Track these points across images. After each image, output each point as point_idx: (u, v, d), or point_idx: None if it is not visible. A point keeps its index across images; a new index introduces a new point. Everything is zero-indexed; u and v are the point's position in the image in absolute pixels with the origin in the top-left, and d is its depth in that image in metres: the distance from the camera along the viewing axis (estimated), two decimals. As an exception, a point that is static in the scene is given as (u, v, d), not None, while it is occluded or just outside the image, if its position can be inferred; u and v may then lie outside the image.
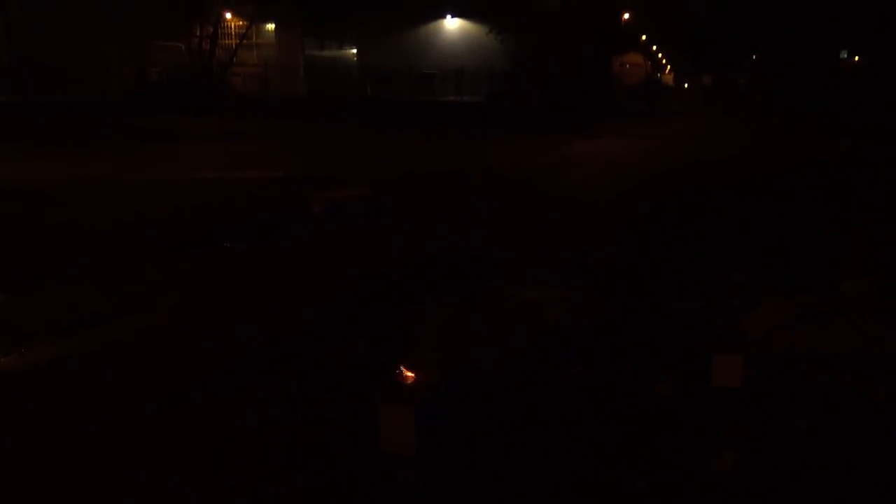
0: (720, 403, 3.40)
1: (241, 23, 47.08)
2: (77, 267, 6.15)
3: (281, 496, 2.75)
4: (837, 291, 4.69)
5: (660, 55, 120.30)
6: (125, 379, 3.99)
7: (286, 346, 4.46)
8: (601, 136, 22.33)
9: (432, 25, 60.46)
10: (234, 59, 44.61)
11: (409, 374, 3.15)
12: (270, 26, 56.19)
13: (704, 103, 55.32)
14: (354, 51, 65.58)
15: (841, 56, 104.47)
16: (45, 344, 4.45)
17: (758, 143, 19.10)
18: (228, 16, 46.62)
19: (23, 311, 5.07)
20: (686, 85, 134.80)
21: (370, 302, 5.34)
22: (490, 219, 8.84)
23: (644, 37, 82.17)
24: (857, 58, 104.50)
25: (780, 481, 2.79)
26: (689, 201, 10.06)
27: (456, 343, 4.18)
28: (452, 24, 59.76)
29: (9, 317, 4.90)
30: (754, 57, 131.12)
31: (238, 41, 45.45)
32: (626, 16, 59.34)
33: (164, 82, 40.61)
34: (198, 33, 41.61)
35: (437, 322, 4.49)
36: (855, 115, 28.92)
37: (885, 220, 6.91)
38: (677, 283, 5.49)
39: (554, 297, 5.21)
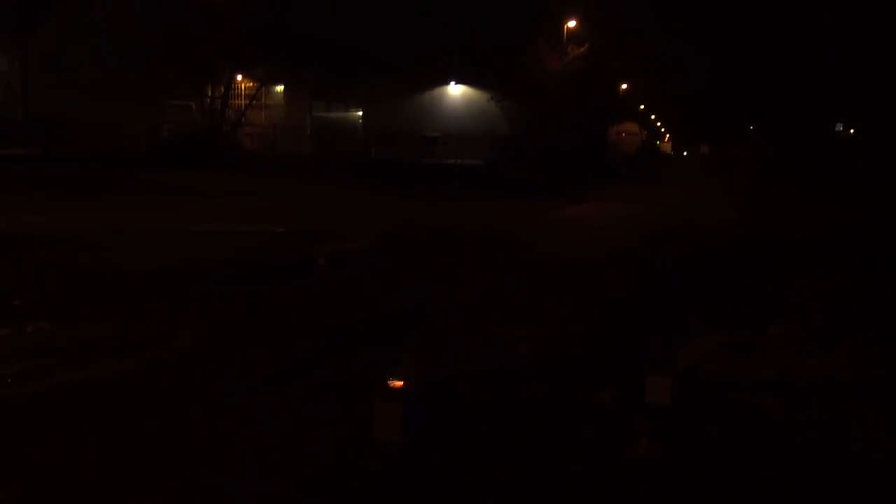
0: (650, 414, 4.19)
1: (250, 84, 48.44)
2: (110, 303, 6.97)
3: (304, 468, 3.56)
4: (765, 332, 5.51)
5: (658, 124, 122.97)
6: (165, 389, 4.79)
7: (298, 365, 5.30)
8: (594, 200, 23.31)
9: (437, 91, 62.26)
10: (244, 119, 45.74)
11: (398, 382, 3.95)
12: (279, 88, 57.76)
13: (701, 171, 56.77)
14: (360, 113, 67.35)
15: (836, 128, 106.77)
16: (93, 364, 5.25)
17: (746, 211, 20.02)
18: (239, 77, 47.95)
19: (66, 338, 5.87)
20: (685, 153, 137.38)
21: (368, 333, 6.16)
22: (477, 273, 9.68)
23: (642, 106, 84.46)
24: (851, 130, 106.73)
25: (680, 464, 3.58)
26: (666, 261, 10.91)
27: (437, 363, 4.98)
28: (456, 91, 61.54)
29: (56, 343, 5.70)
30: (751, 127, 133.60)
31: (248, 102, 46.70)
32: (625, 86, 61.30)
33: (176, 140, 41.68)
34: (209, 94, 42.90)
35: (423, 348, 5.29)
36: (847, 185, 30.00)
37: (829, 275, 7.76)
38: (637, 326, 6.31)
39: (526, 336, 6.03)
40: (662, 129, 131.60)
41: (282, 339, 6.09)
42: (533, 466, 3.68)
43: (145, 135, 43.19)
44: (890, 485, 3.50)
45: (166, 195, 19.90)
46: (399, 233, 13.33)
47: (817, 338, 5.33)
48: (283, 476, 3.55)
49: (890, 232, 14.39)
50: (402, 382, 3.97)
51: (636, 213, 19.47)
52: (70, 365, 5.23)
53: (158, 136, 43.46)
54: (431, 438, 3.83)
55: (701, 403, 4.31)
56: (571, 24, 37.92)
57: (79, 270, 8.40)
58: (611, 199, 24.29)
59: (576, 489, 3.47)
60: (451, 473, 3.56)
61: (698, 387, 4.52)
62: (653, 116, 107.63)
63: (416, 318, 6.79)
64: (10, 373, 4.98)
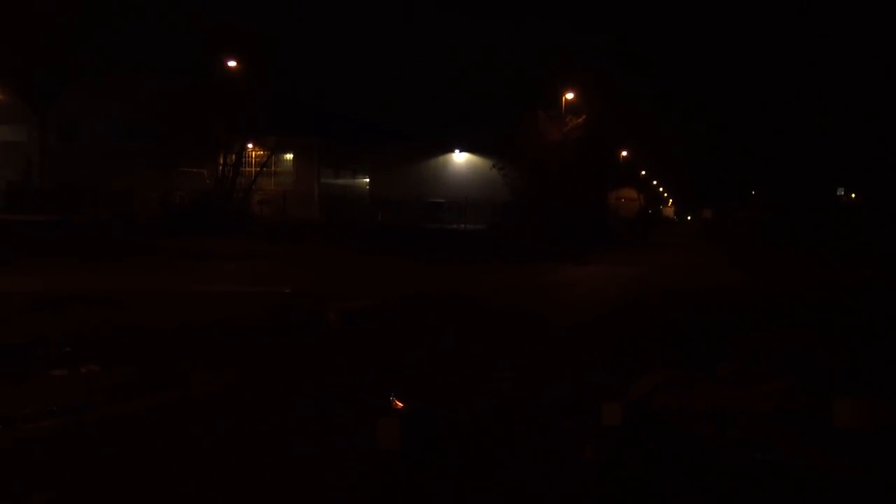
0: (602, 432, 5.10)
1: (261, 152, 49.89)
2: (146, 352, 7.93)
3: (324, 468, 4.49)
4: (712, 371, 6.43)
5: (661, 189, 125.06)
6: (201, 419, 5.72)
7: (313, 401, 6.23)
8: (591, 263, 24.27)
9: (441, 159, 64.04)
10: (254, 186, 46.83)
11: (398, 404, 4.89)
12: (289, 156, 59.51)
13: (701, 235, 57.96)
14: (367, 180, 69.18)
15: (838, 192, 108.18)
16: (137, 399, 6.19)
17: (737, 275, 20.91)
18: (250, 146, 49.35)
19: (112, 379, 6.81)
20: (689, 217, 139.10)
21: (375, 375, 7.10)
22: (472, 328, 10.63)
23: (644, 172, 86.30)
24: (853, 194, 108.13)
25: (624, 469, 4.50)
26: (645, 318, 11.83)
27: (431, 396, 5.90)
28: (460, 158, 63.31)
29: (104, 382, 6.65)
30: (753, 192, 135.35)
31: (258, 169, 47.85)
32: (625, 153, 63.02)
33: (188, 206, 42.46)
34: (221, 162, 44.28)
35: (421, 384, 6.22)
36: (845, 249, 30.90)
37: (791, 329, 8.68)
38: (604, 369, 7.24)
39: (509, 378, 6.97)
40: (665, 194, 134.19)
41: (298, 382, 7.02)
42: (506, 469, 4.60)
43: (158, 202, 44.11)
44: (787, 482, 4.40)
45: (182, 259, 20.98)
46: (403, 294, 14.28)
47: (754, 376, 6.24)
48: (304, 477, 4.47)
49: (868, 292, 15.28)
50: (401, 404, 4.92)
51: (630, 275, 20.43)
52: (118, 400, 6.16)
53: (171, 202, 44.31)
54: (424, 448, 4.77)
55: (645, 426, 5.21)
56: (569, 95, 39.62)
57: (113, 326, 9.36)
58: (608, 262, 25.27)
59: (539, 485, 4.39)
60: (439, 474, 4.48)
61: (645, 413, 5.43)
62: (654, 182, 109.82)
63: (415, 365, 7.71)
64: (68, 405, 5.91)
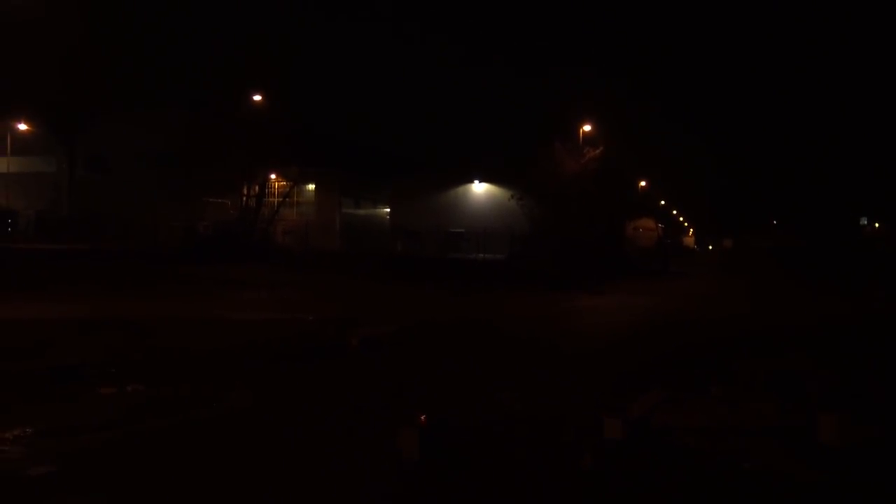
0: (604, 445, 5.61)
1: (283, 183, 50.76)
2: (182, 373, 8.53)
3: (349, 473, 5.04)
4: (707, 393, 6.91)
5: (681, 218, 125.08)
6: (237, 429, 6.29)
7: (339, 414, 6.78)
8: (607, 293, 24.65)
9: (461, 189, 64.83)
10: (276, 216, 47.56)
11: (419, 417, 5.47)
12: (311, 186, 60.45)
13: (721, 265, 58.02)
14: (388, 210, 70.10)
15: (861, 222, 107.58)
16: (180, 414, 6.77)
17: (753, 305, 21.21)
18: (273, 176, 50.22)
19: (156, 396, 7.41)
20: (710, 247, 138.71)
21: (396, 394, 7.65)
22: (489, 353, 11.14)
23: (663, 202, 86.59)
24: (877, 224, 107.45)
25: (618, 472, 5.02)
26: (655, 345, 12.28)
27: (447, 412, 6.44)
28: (479, 189, 64.03)
29: (149, 399, 7.25)
30: (774, 222, 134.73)
31: (281, 199, 48.60)
32: (643, 183, 63.47)
33: (213, 235, 43.20)
34: (245, 192, 45.14)
35: (438, 400, 6.77)
36: (866, 280, 30.98)
37: (790, 356, 9.15)
38: (609, 391, 7.73)
39: (520, 397, 7.48)
40: (685, 224, 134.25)
41: (323, 400, 7.58)
42: (515, 476, 5.14)
43: (183, 231, 44.96)
44: (768, 490, 4.89)
45: (209, 287, 21.68)
46: (422, 321, 14.83)
47: (746, 397, 6.72)
48: (332, 481, 5.03)
49: (872, 323, 15.61)
50: (422, 417, 5.50)
51: (643, 305, 20.82)
52: (162, 415, 6.74)
53: (196, 232, 45.08)
54: (441, 457, 5.31)
55: (644, 439, 5.71)
56: (587, 128, 40.31)
57: (152, 349, 9.98)
58: (623, 291, 25.64)
59: (545, 490, 4.92)
60: (456, 481, 5.02)
61: (645, 428, 5.93)
62: (674, 211, 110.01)
63: (431, 385, 8.25)
64: (118, 419, 6.50)
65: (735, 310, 19.60)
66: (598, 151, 39.47)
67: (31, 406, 6.83)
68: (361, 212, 68.15)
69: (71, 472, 5.14)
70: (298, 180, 52.42)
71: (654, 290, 26.92)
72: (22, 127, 53.02)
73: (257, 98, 41.59)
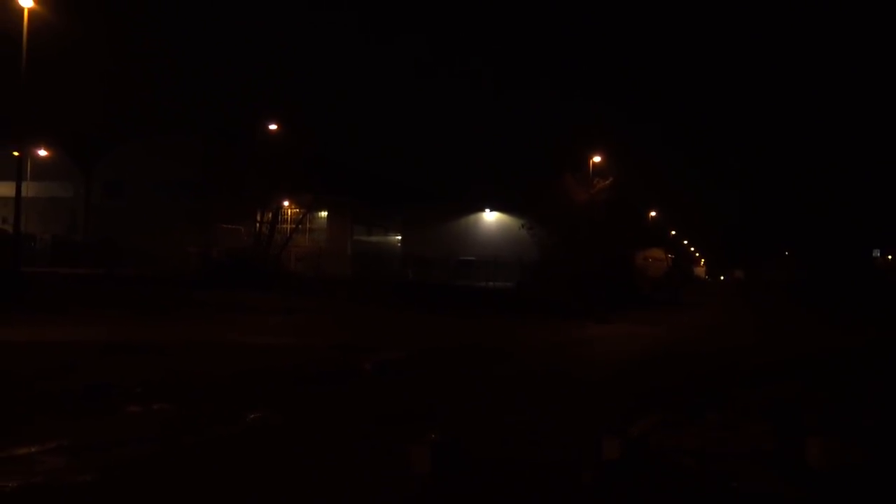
0: (602, 464, 5.98)
1: (296, 210, 51.35)
2: (206, 394, 8.95)
3: (365, 485, 5.43)
4: (703, 417, 7.26)
5: (692, 249, 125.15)
6: (263, 443, 6.70)
7: (356, 430, 7.20)
8: (615, 322, 24.94)
9: (472, 217, 65.43)
10: (289, 243, 48.00)
11: (430, 435, 5.86)
12: (323, 214, 61.11)
13: (731, 295, 58.12)
14: (399, 237, 70.73)
15: (874, 254, 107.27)
16: (208, 430, 7.18)
17: (758, 336, 21.46)
18: (286, 203, 50.79)
19: (182, 413, 7.82)
20: (721, 277, 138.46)
21: (408, 415, 8.04)
22: (497, 379, 11.51)
23: (673, 232, 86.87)
24: (889, 256, 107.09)
25: (619, 488, 5.39)
26: (656, 373, 12.61)
27: (456, 430, 6.84)
28: (490, 217, 64.60)
29: (176, 416, 7.66)
30: (786, 253, 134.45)
31: (294, 226, 49.06)
32: (653, 214, 63.82)
33: (227, 262, 43.53)
34: (258, 219, 45.72)
35: (447, 422, 7.15)
36: (874, 312, 31.08)
37: (787, 386, 9.49)
38: (611, 415, 8.09)
39: (524, 420, 7.87)
40: (697, 254, 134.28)
41: (337, 420, 7.98)
42: (519, 490, 5.54)
43: (197, 257, 45.31)
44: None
45: (224, 313, 22.11)
46: (433, 347, 15.20)
47: (740, 422, 7.08)
48: (347, 490, 5.43)
49: (872, 354, 15.85)
50: (432, 435, 5.90)
51: (650, 335, 21.13)
52: (187, 432, 7.15)
53: (210, 258, 45.39)
54: (450, 471, 5.71)
55: (640, 459, 6.08)
56: (597, 158, 40.82)
57: (172, 372, 10.40)
58: (631, 321, 25.93)
59: (547, 502, 5.32)
60: (464, 493, 5.43)
61: (641, 448, 6.29)
62: (685, 241, 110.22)
63: (440, 408, 8.64)
64: (146, 436, 6.91)
65: (740, 341, 19.87)
66: (607, 182, 39.93)
67: (66, 422, 7.25)
68: (373, 239, 68.77)
69: (112, 482, 5.56)
70: (312, 207, 53.01)
71: (662, 320, 27.19)
72: (42, 153, 53.98)
73: (273, 127, 42.38)
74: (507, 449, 6.67)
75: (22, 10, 21.50)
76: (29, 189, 54.34)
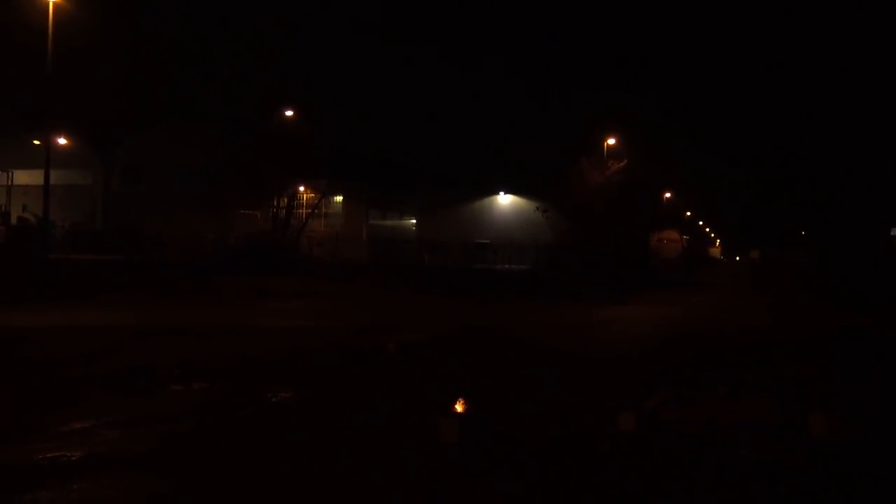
0: (619, 434, 6.43)
1: (312, 195, 51.86)
2: (237, 375, 9.46)
3: (396, 454, 5.92)
4: (714, 392, 7.69)
5: (707, 229, 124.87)
6: (302, 415, 7.20)
7: (386, 405, 7.68)
8: (631, 304, 25.33)
9: (486, 200, 65.73)
10: (306, 227, 48.53)
11: (458, 407, 6.34)
12: (338, 198, 61.60)
13: (746, 277, 58.24)
14: (414, 221, 71.17)
15: (891, 233, 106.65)
16: (247, 406, 7.68)
17: (772, 317, 21.79)
18: (301, 188, 51.25)
19: (222, 392, 8.32)
20: (737, 258, 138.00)
21: (434, 391, 8.51)
22: (516, 359, 11.96)
23: (688, 213, 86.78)
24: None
25: (634, 457, 5.85)
26: (673, 354, 12.98)
27: (482, 405, 7.31)
28: (505, 200, 64.86)
29: (214, 396, 8.17)
30: (803, 233, 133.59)
31: (310, 211, 49.61)
32: (668, 195, 63.85)
33: (245, 247, 44.07)
34: (275, 204, 46.25)
35: (469, 400, 7.61)
36: (890, 292, 31.20)
37: (796, 365, 9.90)
38: (625, 391, 8.54)
39: (545, 397, 8.32)
40: (712, 235, 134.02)
41: (369, 397, 8.47)
42: (541, 458, 6.00)
43: (215, 242, 45.90)
44: (759, 472, 5.68)
45: (247, 297, 22.71)
46: (453, 329, 15.67)
47: (748, 397, 7.50)
48: (384, 457, 5.91)
49: (882, 334, 16.20)
50: (459, 408, 6.38)
51: (665, 315, 21.50)
52: (228, 408, 7.65)
53: (227, 243, 45.94)
54: (477, 441, 6.19)
55: (653, 430, 6.53)
56: (611, 141, 41.04)
57: (206, 353, 10.93)
58: (647, 302, 26.31)
59: (566, 469, 5.79)
60: (490, 461, 5.91)
61: (655, 420, 6.74)
62: (700, 222, 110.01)
63: (464, 385, 9.10)
64: (190, 411, 7.41)
65: (754, 321, 20.24)
66: (622, 164, 40.16)
67: (116, 399, 7.77)
68: (388, 223, 69.18)
69: (173, 451, 6.08)
70: (327, 192, 53.53)
71: (678, 301, 27.56)
72: (61, 141, 54.73)
73: (289, 113, 42.84)
74: (528, 422, 7.13)
75: (47, 3, 22.00)
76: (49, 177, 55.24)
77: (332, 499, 5.18)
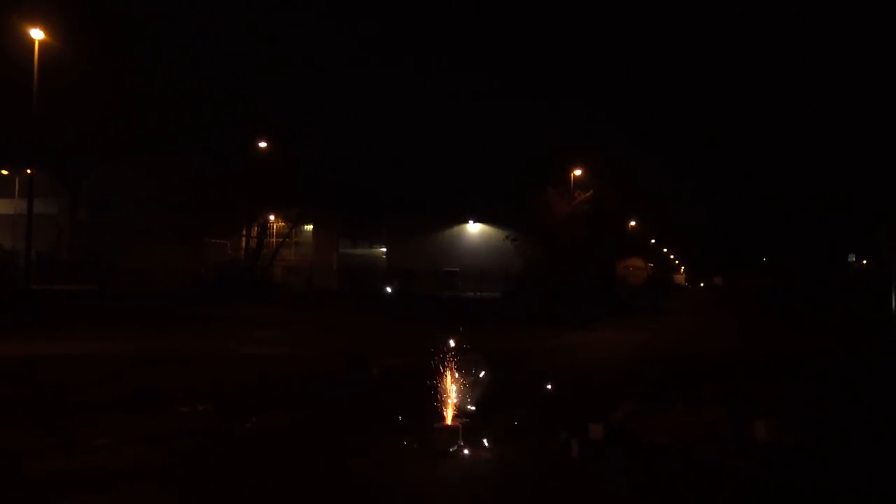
0: (590, 442, 7.27)
1: (282, 224, 52.32)
2: (236, 398, 10.13)
3: (392, 461, 6.69)
4: (673, 406, 8.58)
5: (672, 256, 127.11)
6: (301, 431, 7.91)
7: (377, 426, 8.42)
8: (598, 329, 26.26)
9: (456, 229, 66.76)
10: (276, 257, 48.89)
11: (448, 422, 7.16)
12: (309, 227, 62.10)
13: (709, 303, 59.75)
14: (384, 249, 71.89)
15: (849, 259, 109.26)
16: (249, 425, 8.38)
17: (733, 340, 22.90)
18: (272, 218, 51.60)
19: (225, 412, 8.99)
20: (701, 285, 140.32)
21: (418, 408, 9.26)
22: (490, 382, 12.72)
23: (653, 240, 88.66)
24: (864, 261, 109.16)
25: (596, 460, 6.68)
26: (636, 375, 13.90)
27: (467, 419, 8.10)
28: (474, 229, 65.95)
29: (219, 416, 8.85)
30: (764, 259, 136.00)
31: (280, 240, 50.00)
32: (633, 223, 65.47)
33: (215, 276, 44.17)
34: (245, 233, 46.65)
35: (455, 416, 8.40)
36: (844, 316, 32.64)
37: (748, 382, 10.85)
38: (594, 406, 9.39)
39: (523, 413, 9.14)
40: (676, 262, 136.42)
41: (362, 413, 9.21)
42: (519, 461, 6.82)
43: (184, 272, 45.79)
44: (708, 471, 6.56)
45: (224, 326, 23.24)
46: (428, 354, 16.37)
47: (703, 410, 8.40)
48: (381, 466, 6.68)
49: (829, 357, 17.32)
50: (445, 421, 7.20)
51: (630, 340, 22.48)
52: (231, 427, 8.34)
53: (198, 273, 45.97)
54: (466, 447, 6.99)
55: (618, 438, 7.39)
56: (577, 172, 42.38)
57: (203, 379, 11.57)
58: (614, 328, 27.28)
59: (543, 471, 6.60)
60: (478, 462, 6.71)
61: (621, 430, 7.60)
62: (665, 250, 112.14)
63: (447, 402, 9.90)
64: (197, 429, 8.08)
65: (714, 345, 21.28)
66: (587, 194, 41.42)
67: (129, 420, 8.42)
68: (359, 252, 69.81)
69: (193, 464, 6.80)
70: (298, 222, 54.03)
71: (642, 327, 28.55)
72: (29, 171, 54.50)
73: (262, 145, 43.48)
74: (509, 433, 7.95)
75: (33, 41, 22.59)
76: (16, 206, 55.00)
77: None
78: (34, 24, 22.86)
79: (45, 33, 23.22)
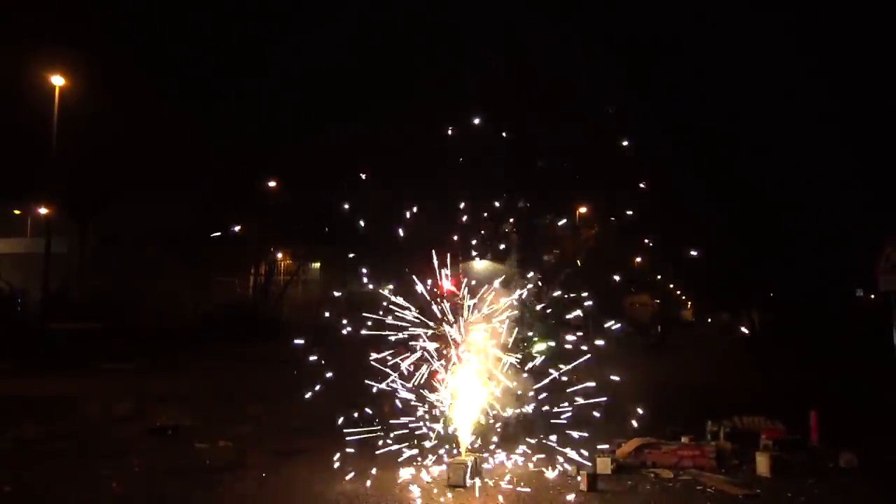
0: (597, 476, 7.63)
1: (289, 262, 52.55)
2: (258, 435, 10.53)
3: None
4: (679, 440, 8.94)
5: (678, 292, 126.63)
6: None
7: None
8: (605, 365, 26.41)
9: (462, 265, 66.84)
10: (284, 294, 49.07)
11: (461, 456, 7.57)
12: (316, 265, 62.17)
13: (716, 338, 59.62)
14: (391, 287, 71.83)
15: (857, 293, 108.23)
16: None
17: (738, 375, 23.10)
18: (280, 255, 51.83)
19: (241, 449, 9.38)
20: (709, 320, 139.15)
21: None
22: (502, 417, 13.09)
23: (659, 276, 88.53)
24: (872, 295, 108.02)
25: (605, 493, 7.05)
26: (643, 406, 14.19)
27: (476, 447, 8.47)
28: (479, 266, 66.01)
29: (237, 453, 9.24)
30: (771, 294, 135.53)
31: (289, 278, 50.19)
32: (639, 259, 65.56)
33: (225, 314, 44.39)
34: (252, 272, 46.92)
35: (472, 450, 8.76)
36: (849, 350, 32.71)
37: (746, 415, 11.19)
38: (603, 440, 9.74)
39: (537, 445, 9.49)
40: (683, 298, 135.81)
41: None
42: (531, 494, 7.17)
43: (193, 310, 46.00)
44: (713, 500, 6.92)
45: (241, 363, 23.61)
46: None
47: (706, 443, 8.76)
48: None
49: (834, 387, 17.62)
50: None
51: (637, 374, 22.66)
52: (249, 466, 8.72)
53: (206, 311, 46.15)
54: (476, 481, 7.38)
55: (626, 471, 7.76)
56: (583, 210, 42.70)
57: (222, 416, 11.97)
58: (621, 364, 27.40)
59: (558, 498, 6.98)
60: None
61: (628, 464, 7.97)
62: (671, 286, 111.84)
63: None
64: (214, 466, 8.49)
65: (717, 379, 21.49)
66: (592, 231, 41.68)
67: (158, 449, 8.89)
68: (367, 290, 69.61)
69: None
70: (306, 259, 54.31)
71: (649, 362, 28.71)
72: (42, 211, 55.09)
73: (272, 184, 43.98)
74: (522, 466, 8.33)
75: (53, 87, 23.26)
76: (26, 245, 55.51)
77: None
78: (54, 70, 23.60)
79: (65, 78, 23.91)
